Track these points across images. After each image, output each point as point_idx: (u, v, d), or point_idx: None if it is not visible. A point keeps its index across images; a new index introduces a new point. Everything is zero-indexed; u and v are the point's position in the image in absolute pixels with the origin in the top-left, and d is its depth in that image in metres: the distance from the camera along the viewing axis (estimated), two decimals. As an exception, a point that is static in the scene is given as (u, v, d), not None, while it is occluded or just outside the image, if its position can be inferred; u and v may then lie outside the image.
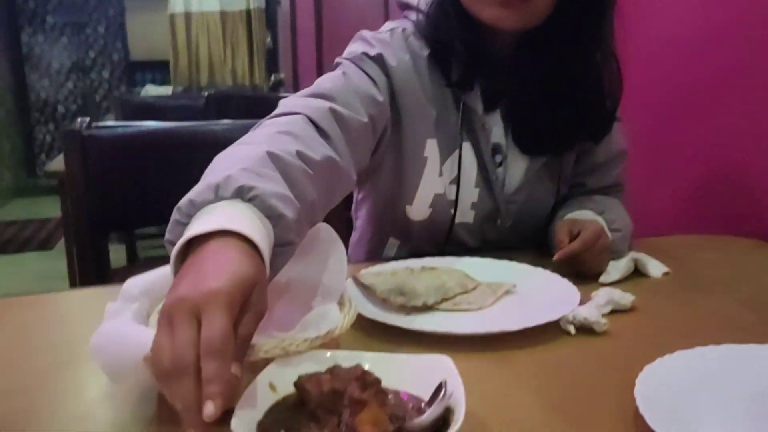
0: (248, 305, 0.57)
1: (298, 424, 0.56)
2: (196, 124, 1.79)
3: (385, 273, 0.98)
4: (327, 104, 0.94)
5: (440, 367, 0.62)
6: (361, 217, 1.29)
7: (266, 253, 0.63)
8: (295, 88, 5.52)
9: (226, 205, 0.65)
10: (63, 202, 2.46)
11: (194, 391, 0.52)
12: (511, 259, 1.06)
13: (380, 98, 1.05)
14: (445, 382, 0.59)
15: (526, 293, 0.95)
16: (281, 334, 0.73)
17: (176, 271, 0.63)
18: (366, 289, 0.93)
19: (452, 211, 1.13)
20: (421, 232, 1.16)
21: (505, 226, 1.18)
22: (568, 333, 0.84)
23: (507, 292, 0.96)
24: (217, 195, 0.66)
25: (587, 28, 1.07)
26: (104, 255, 1.94)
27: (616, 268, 1.03)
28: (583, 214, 1.10)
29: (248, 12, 6.81)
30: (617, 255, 1.07)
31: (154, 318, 0.74)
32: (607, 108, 1.14)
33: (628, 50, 1.13)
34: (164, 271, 0.80)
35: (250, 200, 0.66)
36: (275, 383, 0.60)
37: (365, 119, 1.00)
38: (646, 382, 0.65)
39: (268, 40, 6.93)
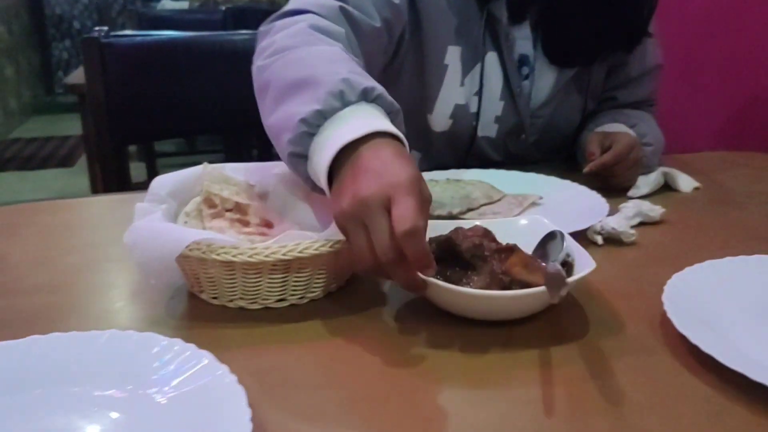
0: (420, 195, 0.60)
1: (456, 274, 0.65)
2: (216, 34, 1.74)
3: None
4: (337, 3, 0.92)
5: (539, 225, 0.73)
6: None
7: (405, 143, 0.66)
8: (314, 4, 5.37)
9: (354, 109, 0.66)
10: (83, 116, 2.44)
11: (407, 271, 0.59)
12: (537, 172, 1.04)
13: (396, 0, 1.01)
14: (559, 233, 0.69)
15: (553, 205, 0.94)
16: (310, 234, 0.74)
17: (328, 178, 0.64)
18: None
19: (474, 123, 1.10)
20: (443, 143, 1.14)
21: (529, 141, 1.15)
22: (596, 243, 0.83)
23: (533, 204, 0.95)
24: (344, 101, 0.66)
25: None
26: (125, 169, 1.95)
27: (646, 182, 1.02)
28: (615, 127, 1.07)
29: None
30: (648, 169, 1.05)
31: (182, 220, 0.74)
32: (642, 15, 1.08)
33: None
34: (191, 172, 0.80)
35: (374, 100, 0.68)
36: None
37: (378, 23, 0.97)
38: (674, 288, 0.65)
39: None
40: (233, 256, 0.62)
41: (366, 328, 0.64)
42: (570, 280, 0.61)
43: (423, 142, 1.17)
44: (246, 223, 0.76)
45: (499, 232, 0.69)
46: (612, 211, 0.88)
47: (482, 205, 0.92)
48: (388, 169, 0.59)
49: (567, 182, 1.00)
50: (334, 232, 0.65)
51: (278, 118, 0.72)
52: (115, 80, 1.57)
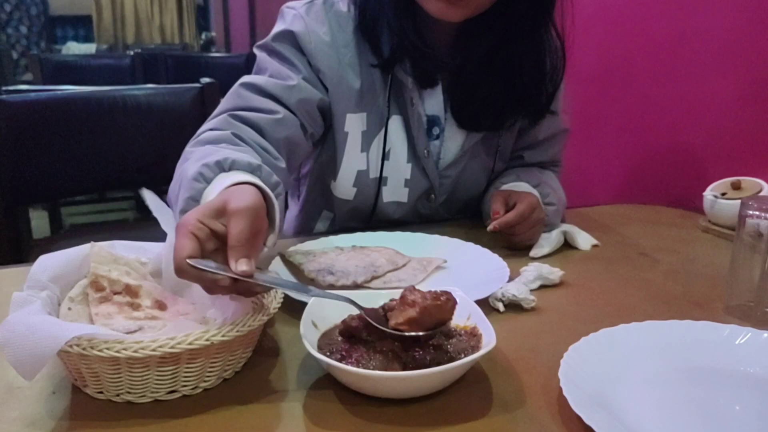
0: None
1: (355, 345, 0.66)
2: (116, 88, 1.69)
3: (314, 252, 0.95)
4: (225, 115, 0.96)
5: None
6: (300, 192, 1.25)
7: (263, 186, 0.75)
8: (227, 46, 5.35)
9: (215, 183, 0.76)
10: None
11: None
12: (442, 232, 1.05)
13: (294, 81, 1.01)
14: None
15: (457, 269, 0.95)
16: (208, 322, 0.71)
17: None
18: (294, 268, 0.91)
19: (376, 189, 1.11)
20: (348, 209, 1.15)
21: (438, 202, 1.17)
22: (497, 310, 0.84)
23: (438, 268, 0.95)
24: (206, 180, 0.77)
25: (533, 11, 1.02)
26: (23, 225, 1.85)
27: (548, 241, 1.04)
28: (520, 186, 1.10)
29: (177, -34, 6.53)
30: (549, 228, 1.08)
31: (66, 307, 0.70)
32: (547, 88, 1.10)
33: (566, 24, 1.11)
34: (76, 252, 0.76)
35: (230, 167, 0.78)
36: (316, 322, 0.70)
37: (279, 114, 0.97)
38: (570, 361, 0.66)
39: (199, -4, 6.68)
40: (117, 351, 0.59)
41: (267, 416, 0.62)
42: (474, 357, 0.61)
43: (332, 205, 1.16)
44: (137, 306, 0.72)
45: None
46: (513, 275, 0.90)
47: (387, 272, 0.92)
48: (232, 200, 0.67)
49: (470, 244, 1.01)
50: (227, 317, 0.63)
51: (174, 185, 0.84)
52: (8, 139, 1.50)
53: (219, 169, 0.77)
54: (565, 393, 0.61)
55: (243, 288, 0.64)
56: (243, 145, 0.89)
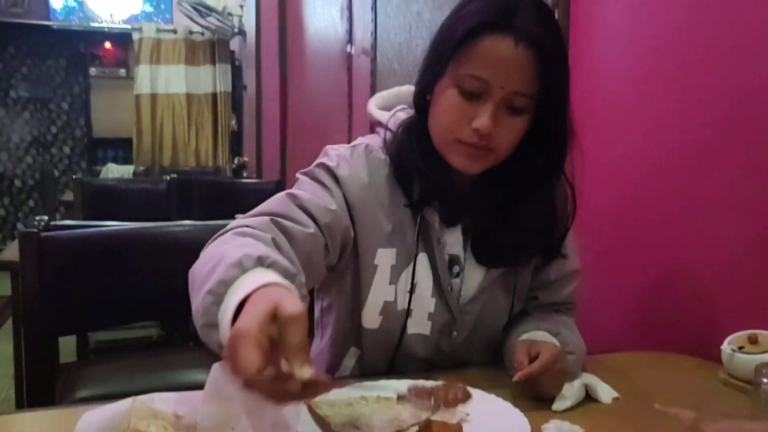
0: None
1: None
2: (157, 225, 1.79)
3: (340, 403, 0.98)
4: (267, 218, 1.02)
5: None
6: (326, 326, 1.30)
7: (298, 293, 0.79)
8: (258, 172, 5.58)
9: (251, 273, 0.79)
10: (14, 299, 2.40)
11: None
12: (465, 378, 1.08)
13: (333, 206, 1.10)
14: None
15: (479, 423, 0.97)
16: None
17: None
18: (320, 420, 0.94)
19: (404, 320, 1.17)
20: (374, 340, 1.20)
21: (460, 338, 1.21)
22: (519, 471, 0.85)
23: (461, 421, 0.97)
24: (243, 268, 0.79)
25: (546, 163, 1.15)
26: (53, 354, 1.89)
27: (570, 393, 1.06)
28: (540, 335, 1.14)
29: (215, 95, 6.93)
30: (571, 377, 1.10)
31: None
32: (558, 231, 1.20)
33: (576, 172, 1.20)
34: (118, 408, 0.80)
35: (269, 266, 0.81)
36: None
37: (311, 229, 1.05)
38: None
39: (233, 122, 7.03)
40: None
41: None
42: None
43: (359, 339, 1.22)
44: (173, 462, 0.76)
45: None
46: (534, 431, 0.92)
47: (410, 426, 0.94)
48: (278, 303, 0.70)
49: (492, 397, 1.04)
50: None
51: (196, 302, 0.83)
52: (50, 273, 1.58)
53: (258, 264, 0.80)
54: None
55: (310, 392, 0.69)
56: (279, 253, 0.93)
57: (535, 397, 1.06)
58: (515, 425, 0.94)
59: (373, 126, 1.27)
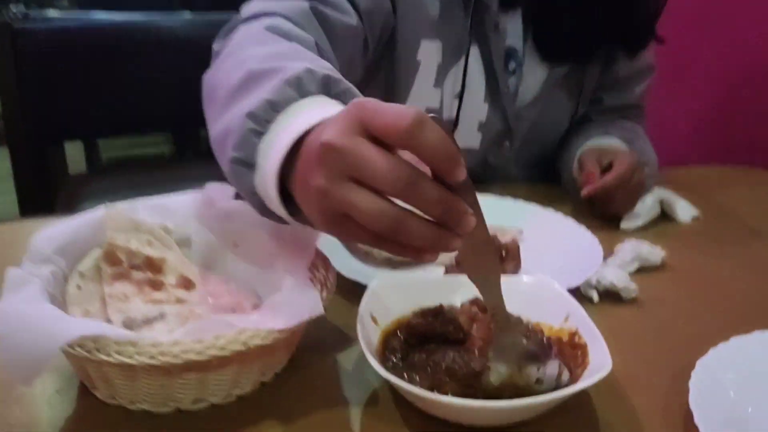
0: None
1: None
2: (152, 17, 1.54)
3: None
4: (305, 3, 0.75)
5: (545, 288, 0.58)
6: None
7: None
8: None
9: (312, 101, 0.50)
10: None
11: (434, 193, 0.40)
12: (516, 195, 0.90)
13: None
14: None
15: (535, 242, 0.80)
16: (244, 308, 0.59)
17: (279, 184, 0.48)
18: (357, 249, 0.77)
19: (450, 131, 0.96)
20: (409, 157, 1.00)
21: (513, 149, 1.02)
22: (590, 300, 0.69)
23: (513, 241, 0.80)
24: (301, 90, 0.50)
25: None
26: (58, 163, 1.75)
27: (643, 210, 0.88)
28: (610, 142, 0.95)
29: None
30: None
31: (74, 284, 0.57)
32: (644, 14, 0.95)
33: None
34: (88, 219, 0.63)
35: (338, 95, 0.52)
36: (377, 316, 0.56)
37: (353, 20, 0.81)
38: (699, 385, 0.52)
39: None
40: (129, 357, 0.46)
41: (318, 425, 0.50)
42: (586, 384, 0.47)
43: None
44: (158, 285, 0.60)
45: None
46: (605, 253, 0.75)
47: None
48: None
49: (550, 212, 0.86)
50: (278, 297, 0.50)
51: (223, 123, 0.55)
52: (34, 72, 1.37)
53: (324, 88, 0.51)
54: (697, 422, 0.47)
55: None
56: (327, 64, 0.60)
57: (602, 215, 0.89)
58: (583, 246, 0.77)
59: None
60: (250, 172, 0.50)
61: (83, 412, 0.52)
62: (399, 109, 0.39)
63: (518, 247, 0.71)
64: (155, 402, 0.51)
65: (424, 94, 0.94)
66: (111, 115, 1.54)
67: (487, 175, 1.03)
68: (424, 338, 0.55)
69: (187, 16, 1.60)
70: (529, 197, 0.90)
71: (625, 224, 0.87)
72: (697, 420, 0.47)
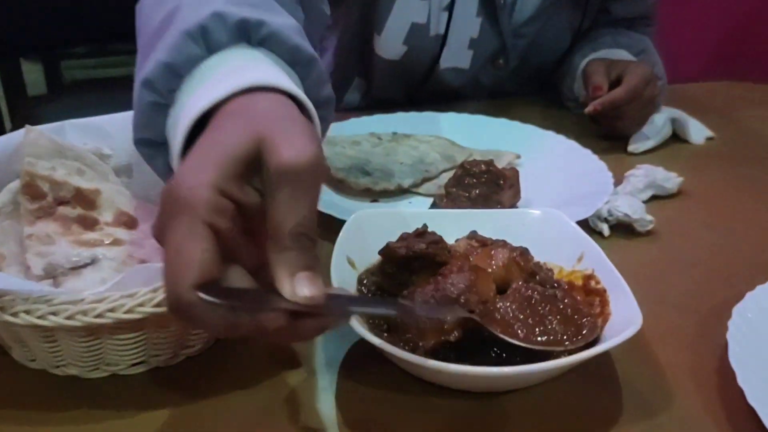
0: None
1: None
2: None
3: (343, 140, 0.71)
4: None
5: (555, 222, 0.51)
6: (324, 50, 0.99)
7: (313, 112, 0.38)
8: None
9: (226, 57, 0.39)
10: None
11: None
12: (511, 115, 0.80)
13: None
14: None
15: (535, 168, 0.70)
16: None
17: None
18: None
19: (437, 50, 0.85)
20: (391, 73, 0.90)
21: (508, 68, 0.91)
22: (601, 234, 0.60)
23: (509, 166, 0.70)
24: (208, 44, 0.39)
25: None
26: (14, 80, 1.63)
27: (653, 131, 0.79)
28: (618, 54, 0.85)
29: None
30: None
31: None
32: None
33: None
34: (5, 142, 0.52)
35: (261, 42, 0.40)
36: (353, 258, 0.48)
37: None
38: (738, 337, 0.43)
39: None
40: (41, 317, 0.37)
41: (276, 397, 0.42)
42: (610, 344, 0.39)
43: (369, 70, 0.92)
44: (92, 223, 0.50)
45: (499, 228, 0.50)
46: (615, 180, 0.66)
47: (442, 172, 0.68)
48: None
49: (551, 134, 0.77)
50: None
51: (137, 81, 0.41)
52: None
53: (240, 36, 0.40)
54: (741, 383, 0.39)
55: (302, 330, 0.34)
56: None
57: (608, 134, 0.79)
58: (590, 172, 0.68)
59: None
60: (162, 152, 0.40)
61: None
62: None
63: (517, 174, 0.62)
64: (84, 366, 0.42)
65: (410, 7, 0.83)
66: (71, 25, 1.45)
67: (476, 91, 0.93)
68: (405, 264, 0.45)
69: None
70: (525, 117, 0.80)
71: (633, 147, 0.78)
72: (740, 381, 0.40)
